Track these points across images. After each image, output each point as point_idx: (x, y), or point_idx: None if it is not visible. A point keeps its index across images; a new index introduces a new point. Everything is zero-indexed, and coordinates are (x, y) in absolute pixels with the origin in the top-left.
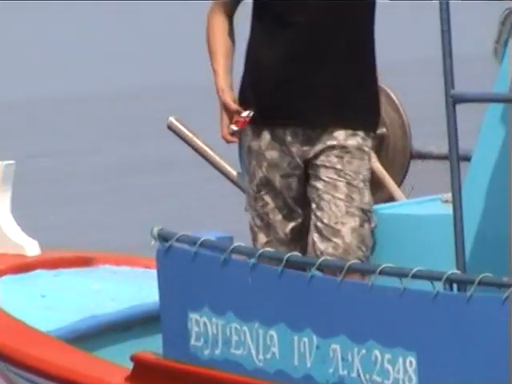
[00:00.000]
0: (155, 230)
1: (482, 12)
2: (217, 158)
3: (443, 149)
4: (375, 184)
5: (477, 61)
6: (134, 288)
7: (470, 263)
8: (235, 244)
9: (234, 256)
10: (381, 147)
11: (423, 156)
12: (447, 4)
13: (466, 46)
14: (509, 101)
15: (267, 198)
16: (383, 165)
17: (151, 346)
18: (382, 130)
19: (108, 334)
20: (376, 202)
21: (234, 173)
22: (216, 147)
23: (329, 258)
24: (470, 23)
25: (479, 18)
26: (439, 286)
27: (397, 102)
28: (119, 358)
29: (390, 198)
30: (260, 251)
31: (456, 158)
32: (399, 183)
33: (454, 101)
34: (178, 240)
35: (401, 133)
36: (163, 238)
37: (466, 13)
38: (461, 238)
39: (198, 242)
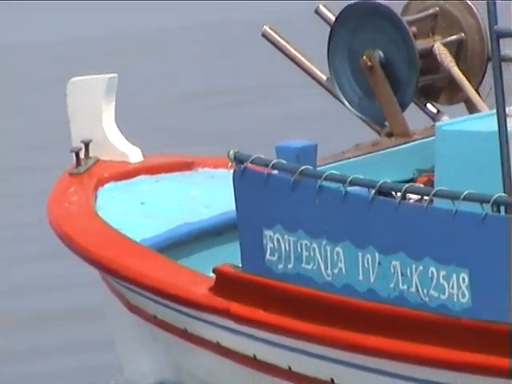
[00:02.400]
0: (231, 153)
1: None
2: (308, 64)
3: None
4: (454, 86)
5: None
6: (227, 193)
7: None
8: (303, 167)
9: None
10: (459, 52)
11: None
12: None
13: None
14: None
15: None
16: (462, 68)
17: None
18: (460, 35)
19: (200, 240)
20: (454, 103)
21: (324, 77)
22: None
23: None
24: None
25: None
26: (488, 208)
27: (474, 9)
28: (211, 261)
29: (467, 100)
30: (326, 173)
31: None
32: (477, 85)
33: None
34: (252, 162)
35: (478, 38)
36: (239, 159)
37: None
38: (507, 163)
39: (270, 164)
